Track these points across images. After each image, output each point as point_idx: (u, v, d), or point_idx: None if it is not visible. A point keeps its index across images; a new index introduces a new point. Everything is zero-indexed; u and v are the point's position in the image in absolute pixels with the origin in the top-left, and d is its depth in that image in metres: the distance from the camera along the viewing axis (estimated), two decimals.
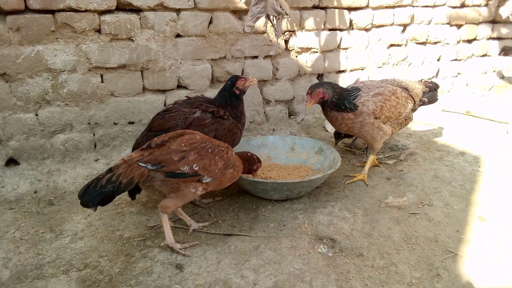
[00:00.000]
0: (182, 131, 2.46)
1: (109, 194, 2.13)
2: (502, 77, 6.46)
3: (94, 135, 3.61)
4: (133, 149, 2.86)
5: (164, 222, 2.38)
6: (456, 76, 6.15)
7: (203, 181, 2.34)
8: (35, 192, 3.12)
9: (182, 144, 2.31)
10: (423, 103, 3.44)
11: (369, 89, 3.13)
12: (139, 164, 2.21)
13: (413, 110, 3.40)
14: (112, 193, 2.14)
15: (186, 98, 3.09)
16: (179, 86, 3.93)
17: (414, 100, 3.33)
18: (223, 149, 2.43)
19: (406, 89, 3.29)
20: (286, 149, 3.50)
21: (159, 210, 2.36)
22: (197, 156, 2.30)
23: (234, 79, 3.00)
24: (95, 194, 2.11)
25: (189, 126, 2.77)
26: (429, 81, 3.77)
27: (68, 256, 2.37)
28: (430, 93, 3.48)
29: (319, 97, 3.00)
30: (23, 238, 2.55)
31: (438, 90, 3.59)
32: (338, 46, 4.82)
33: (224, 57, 4.07)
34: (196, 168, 2.28)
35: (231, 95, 2.97)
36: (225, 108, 2.93)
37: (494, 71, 6.50)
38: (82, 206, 2.16)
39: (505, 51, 6.44)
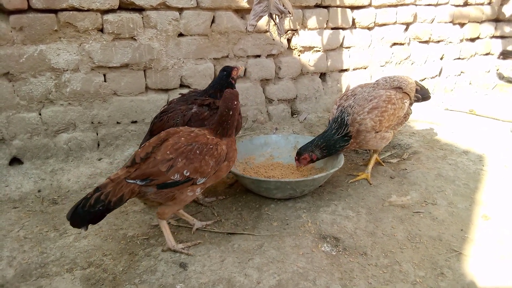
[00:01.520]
0: (165, 134, 2.34)
1: (99, 213, 2.08)
2: (502, 78, 6.44)
3: (97, 134, 3.62)
4: None
5: (163, 227, 2.36)
6: (459, 74, 6.13)
7: (198, 183, 2.27)
8: (39, 191, 3.13)
9: (168, 152, 2.19)
10: (417, 99, 3.38)
11: (361, 105, 3.03)
12: (128, 181, 2.14)
13: (410, 104, 3.34)
14: (102, 212, 2.09)
15: (180, 95, 3.10)
16: (182, 85, 3.93)
17: (409, 96, 3.26)
18: (211, 146, 2.29)
19: (399, 87, 3.21)
20: (289, 148, 3.50)
21: (156, 217, 2.32)
22: (186, 161, 2.19)
23: (229, 69, 3.03)
24: (84, 214, 2.06)
25: (188, 122, 2.78)
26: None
27: (72, 255, 2.38)
28: (422, 90, 3.45)
29: (307, 161, 3.00)
30: (27, 237, 2.56)
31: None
32: (341, 45, 4.81)
33: (227, 56, 4.07)
34: (187, 174, 2.20)
35: (228, 85, 3.00)
36: (218, 96, 2.94)
37: (497, 70, 6.47)
38: (72, 227, 2.13)
39: (504, 55, 6.40)
